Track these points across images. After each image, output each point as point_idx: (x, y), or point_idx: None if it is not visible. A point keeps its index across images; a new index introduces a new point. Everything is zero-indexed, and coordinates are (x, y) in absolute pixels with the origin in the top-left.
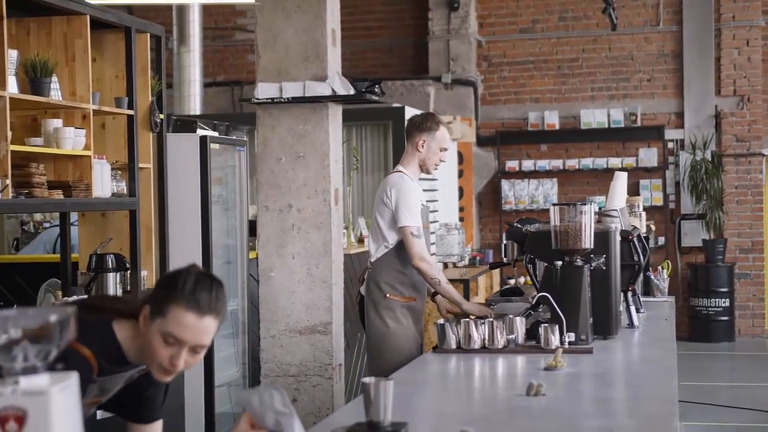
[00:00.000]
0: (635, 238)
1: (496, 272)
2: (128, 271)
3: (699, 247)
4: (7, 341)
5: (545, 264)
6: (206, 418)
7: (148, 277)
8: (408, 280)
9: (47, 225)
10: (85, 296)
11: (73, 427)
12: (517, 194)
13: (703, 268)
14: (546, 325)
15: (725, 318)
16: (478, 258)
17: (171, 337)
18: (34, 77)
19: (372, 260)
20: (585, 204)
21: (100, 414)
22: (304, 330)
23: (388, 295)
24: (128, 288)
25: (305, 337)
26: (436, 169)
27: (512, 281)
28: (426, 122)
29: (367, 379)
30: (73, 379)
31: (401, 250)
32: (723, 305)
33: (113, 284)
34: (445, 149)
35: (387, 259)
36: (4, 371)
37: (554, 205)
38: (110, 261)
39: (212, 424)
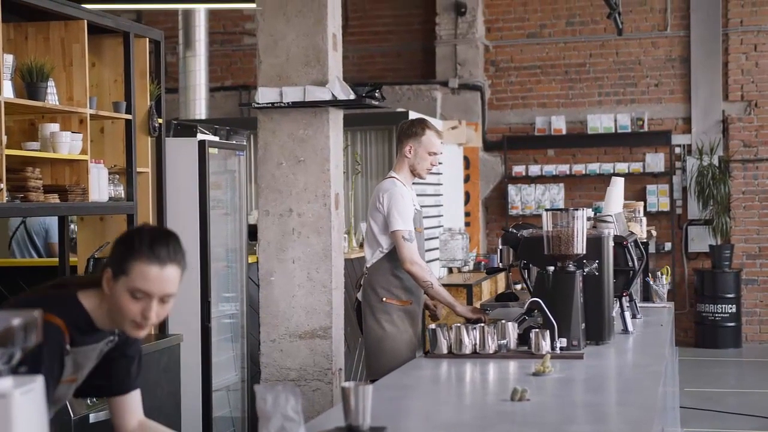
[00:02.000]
0: (630, 244)
1: (501, 277)
2: None
3: (706, 253)
4: None
5: (538, 269)
6: (204, 422)
7: None
8: (403, 284)
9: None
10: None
11: (39, 429)
12: (523, 199)
13: (709, 274)
14: (537, 330)
15: (732, 324)
16: (483, 263)
17: (138, 291)
18: (30, 81)
19: (368, 266)
20: (577, 209)
21: (93, 417)
22: (304, 334)
23: (384, 299)
24: None
25: (305, 341)
26: (429, 173)
27: (518, 286)
28: (412, 128)
29: (346, 384)
30: (37, 382)
31: (395, 254)
32: (730, 311)
33: None
34: (434, 153)
35: (382, 264)
36: None
37: (547, 210)
38: None
39: (210, 428)
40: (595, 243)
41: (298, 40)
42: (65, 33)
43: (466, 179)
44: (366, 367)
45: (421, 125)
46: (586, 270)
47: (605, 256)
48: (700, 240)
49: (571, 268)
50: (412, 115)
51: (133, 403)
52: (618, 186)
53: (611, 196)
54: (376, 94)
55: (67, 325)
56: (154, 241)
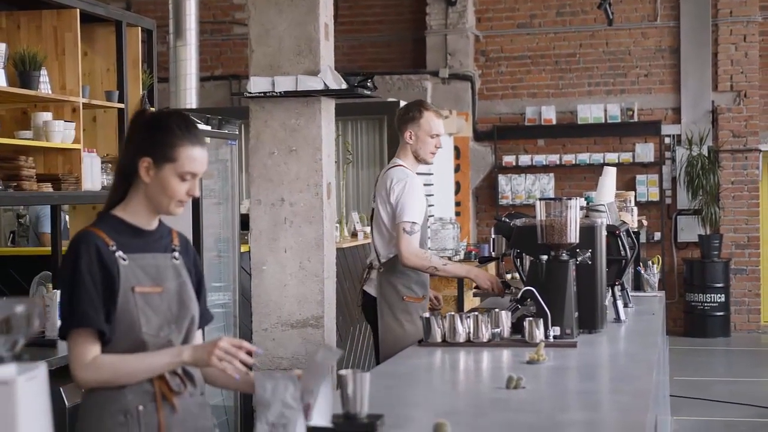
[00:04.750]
0: (623, 233)
1: (492, 266)
2: None
3: (695, 243)
4: None
5: (531, 258)
6: None
7: None
8: (420, 278)
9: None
10: None
11: (42, 416)
12: (513, 189)
13: (699, 264)
14: (530, 319)
15: (721, 313)
16: (474, 252)
17: (188, 174)
18: (23, 70)
19: (382, 260)
20: (571, 199)
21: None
22: (296, 324)
23: (405, 297)
24: None
25: (297, 330)
26: (433, 156)
27: (509, 276)
28: (409, 112)
29: (343, 372)
30: (41, 368)
31: None
32: (719, 300)
33: None
34: (437, 135)
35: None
36: None
37: (540, 199)
38: None
39: None
40: (588, 232)
41: (290, 29)
42: (58, 22)
43: (457, 169)
44: (379, 363)
45: (418, 108)
46: (579, 259)
47: (598, 245)
48: (690, 230)
49: (565, 257)
50: (404, 104)
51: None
52: (610, 175)
53: (603, 186)
54: (368, 84)
55: (104, 231)
56: (188, 124)
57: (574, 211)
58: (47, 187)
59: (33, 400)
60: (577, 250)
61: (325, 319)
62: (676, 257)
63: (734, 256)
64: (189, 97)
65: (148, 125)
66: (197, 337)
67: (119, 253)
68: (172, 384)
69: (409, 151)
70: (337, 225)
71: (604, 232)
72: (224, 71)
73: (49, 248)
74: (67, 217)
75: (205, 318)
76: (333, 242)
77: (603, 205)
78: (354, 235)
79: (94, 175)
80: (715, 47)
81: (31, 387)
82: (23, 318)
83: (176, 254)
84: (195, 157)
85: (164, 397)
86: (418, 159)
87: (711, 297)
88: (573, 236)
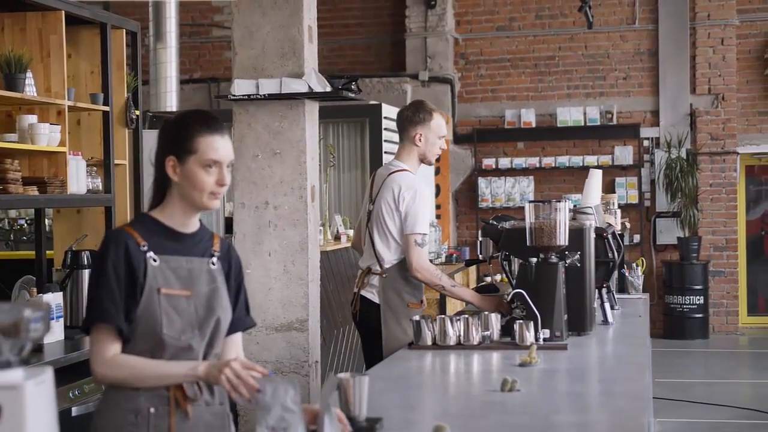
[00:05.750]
0: (610, 236)
1: (473, 269)
2: None
3: (674, 245)
4: None
5: (520, 261)
6: None
7: None
8: (420, 284)
9: (22, 222)
10: None
11: (49, 421)
12: (493, 192)
13: (677, 266)
14: (521, 321)
15: (699, 315)
16: (455, 255)
17: (210, 162)
18: (8, 73)
19: (386, 266)
20: (560, 201)
21: (75, 410)
22: (281, 327)
23: (409, 304)
24: None
25: (281, 334)
26: (437, 157)
27: (488, 279)
28: (418, 113)
29: (342, 375)
30: (47, 373)
31: None
32: (697, 302)
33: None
34: (443, 136)
35: (405, 266)
36: None
37: (530, 202)
38: (86, 258)
39: None
40: (577, 235)
41: (274, 32)
42: (43, 24)
43: (437, 172)
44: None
45: (427, 110)
46: (568, 261)
47: (587, 248)
48: (668, 232)
49: (554, 259)
50: (386, 108)
51: (232, 345)
52: (596, 178)
53: (590, 188)
54: (353, 87)
55: (135, 230)
56: (205, 117)
57: (564, 214)
58: (33, 191)
59: (41, 404)
60: (566, 253)
61: (309, 322)
62: (655, 260)
63: (713, 258)
64: (169, 99)
65: (168, 127)
66: (234, 342)
67: (150, 254)
68: (188, 391)
69: (413, 153)
70: (321, 228)
71: (593, 235)
72: (203, 74)
73: (32, 252)
74: (48, 221)
75: (245, 323)
76: (317, 245)
77: (591, 207)
78: (337, 238)
79: (79, 179)
80: (693, 50)
81: (39, 391)
82: (31, 321)
83: (214, 259)
84: (215, 145)
85: (177, 403)
86: (424, 161)
87: (690, 299)
88: (562, 239)
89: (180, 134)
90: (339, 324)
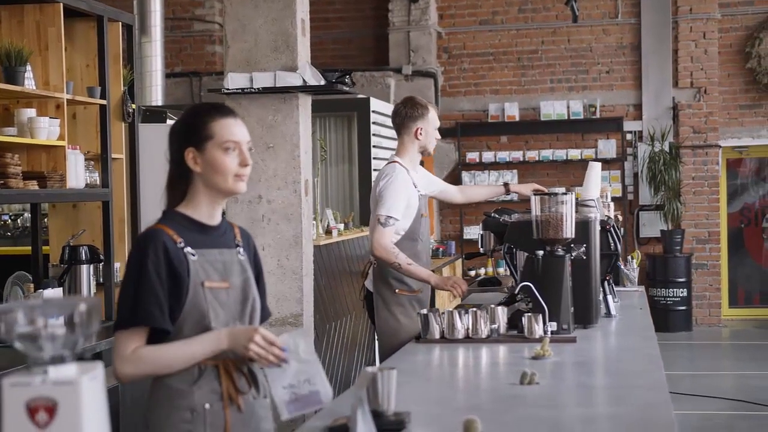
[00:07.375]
0: (612, 228)
1: (458, 263)
2: (102, 263)
3: (657, 238)
4: (34, 331)
5: (526, 254)
6: None
7: (122, 269)
8: None
9: (6, 218)
10: None
11: (102, 415)
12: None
13: (661, 259)
14: (529, 314)
15: (683, 308)
16: (441, 249)
17: (229, 143)
18: (8, 66)
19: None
20: (566, 193)
21: None
22: (275, 321)
23: (397, 290)
24: (101, 280)
25: (275, 328)
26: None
27: (473, 272)
28: (416, 109)
29: (370, 369)
30: (99, 368)
31: (405, 243)
32: (681, 295)
33: (87, 276)
34: (438, 126)
35: None
36: (31, 361)
37: (535, 194)
38: (83, 253)
39: None
40: (582, 227)
41: (267, 25)
42: (40, 16)
43: (420, 165)
44: (381, 357)
45: (423, 104)
46: (574, 254)
47: (592, 240)
48: (652, 225)
49: (560, 252)
50: (373, 101)
51: None
52: (596, 170)
53: (590, 181)
54: (347, 80)
55: (169, 227)
56: (214, 104)
57: (570, 206)
58: (33, 185)
59: (94, 399)
60: (572, 245)
61: (303, 316)
62: (639, 252)
63: (695, 251)
64: (155, 94)
65: (180, 123)
66: None
67: (188, 249)
68: (239, 384)
69: (411, 148)
70: (313, 222)
71: (598, 227)
72: (185, 68)
73: (29, 248)
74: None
75: (263, 314)
76: (311, 239)
77: (593, 200)
78: (329, 232)
79: (78, 173)
80: (675, 44)
81: (92, 386)
82: (85, 316)
83: (241, 250)
84: (230, 126)
85: (230, 397)
86: (424, 153)
87: (673, 292)
88: (569, 231)
89: (194, 124)
90: (331, 318)
